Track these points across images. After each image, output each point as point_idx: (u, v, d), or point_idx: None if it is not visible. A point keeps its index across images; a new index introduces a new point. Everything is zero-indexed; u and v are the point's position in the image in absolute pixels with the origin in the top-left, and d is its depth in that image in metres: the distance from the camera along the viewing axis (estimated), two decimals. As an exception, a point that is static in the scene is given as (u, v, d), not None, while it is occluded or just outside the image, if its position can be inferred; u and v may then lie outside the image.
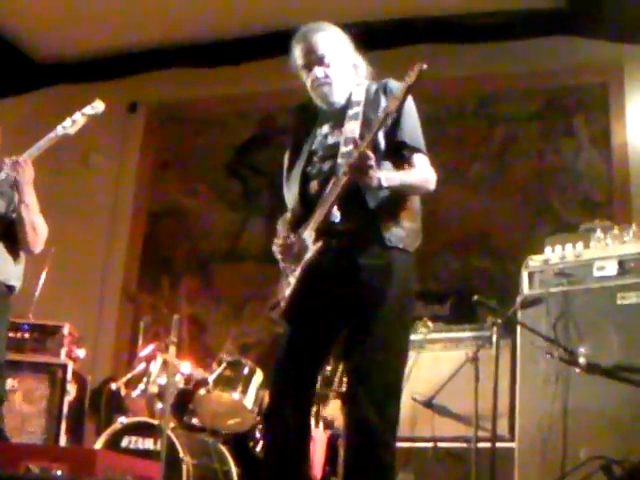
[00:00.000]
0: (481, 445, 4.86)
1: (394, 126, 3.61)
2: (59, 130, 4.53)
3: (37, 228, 4.59)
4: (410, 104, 3.71)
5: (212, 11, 7.35)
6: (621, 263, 4.79)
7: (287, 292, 3.60)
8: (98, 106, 4.62)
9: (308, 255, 3.54)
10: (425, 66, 3.45)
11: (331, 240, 3.52)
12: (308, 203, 3.68)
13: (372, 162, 3.41)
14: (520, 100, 7.44)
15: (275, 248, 3.72)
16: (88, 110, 4.58)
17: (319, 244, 3.51)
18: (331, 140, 3.75)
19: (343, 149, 3.62)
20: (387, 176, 3.48)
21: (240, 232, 7.97)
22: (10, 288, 4.67)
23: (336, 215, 3.52)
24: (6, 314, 4.73)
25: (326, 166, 3.69)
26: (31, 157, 4.52)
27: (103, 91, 7.20)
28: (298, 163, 3.81)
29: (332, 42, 3.78)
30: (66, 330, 6.30)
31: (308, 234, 3.57)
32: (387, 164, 3.58)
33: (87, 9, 7.37)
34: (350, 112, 3.72)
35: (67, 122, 4.56)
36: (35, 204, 4.58)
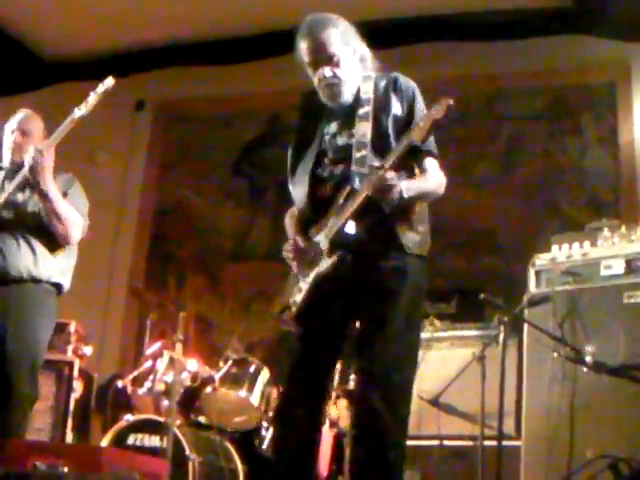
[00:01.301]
0: (487, 443, 4.87)
1: (407, 129, 3.58)
2: (76, 113, 4.49)
3: (63, 218, 4.51)
4: (421, 105, 3.70)
5: (219, 9, 7.36)
6: (628, 262, 4.78)
7: (298, 297, 3.60)
8: (108, 82, 4.56)
9: (322, 267, 3.53)
10: (452, 102, 3.41)
11: (346, 255, 3.51)
12: (318, 206, 3.66)
13: (395, 182, 3.40)
14: (527, 99, 7.43)
15: (286, 252, 3.71)
16: (100, 88, 4.55)
17: (334, 258, 3.50)
18: (341, 141, 3.71)
19: (356, 154, 3.59)
20: (407, 187, 3.46)
21: (247, 230, 7.98)
22: (57, 287, 4.64)
23: (351, 227, 3.51)
24: (50, 315, 4.67)
25: (337, 170, 3.66)
26: (51, 147, 4.49)
27: (111, 90, 7.21)
28: (305, 162, 3.77)
29: (340, 39, 3.68)
30: (73, 327, 6.31)
31: (321, 240, 3.57)
32: (401, 172, 3.56)
33: (94, 7, 7.38)
34: (360, 111, 3.68)
35: (82, 105, 4.53)
36: (56, 194, 4.50)
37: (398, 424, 3.48)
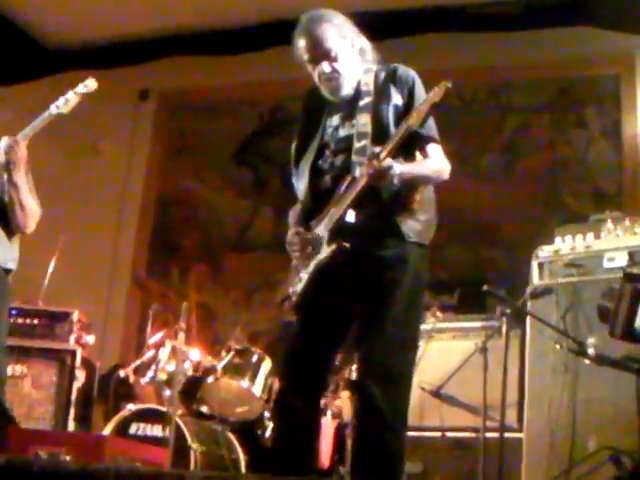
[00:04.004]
0: (489, 435, 4.87)
1: (406, 116, 3.58)
2: (52, 109, 4.49)
3: (25, 208, 4.52)
4: (421, 92, 3.70)
5: (225, -1, 7.38)
6: (631, 254, 4.77)
7: (298, 287, 3.62)
8: (90, 84, 4.57)
9: (322, 256, 3.55)
10: (450, 84, 3.42)
11: (345, 242, 3.50)
12: (319, 197, 3.68)
13: (392, 170, 3.40)
14: (532, 91, 7.43)
15: (288, 243, 3.72)
16: (80, 89, 4.54)
17: (333, 247, 3.51)
18: (342, 133, 3.73)
19: (356, 144, 3.60)
20: (400, 170, 3.45)
21: (250, 220, 7.99)
22: (7, 271, 4.61)
23: (351, 215, 3.51)
24: (5, 296, 4.63)
25: (338, 161, 3.68)
26: (26, 138, 4.50)
27: (114, 78, 7.21)
28: (308, 155, 3.79)
29: (337, 33, 3.70)
30: (75, 316, 6.30)
31: (322, 231, 3.58)
32: (399, 157, 3.56)
33: (98, -4, 7.40)
34: (361, 103, 3.69)
35: (60, 101, 4.51)
36: (24, 184, 4.52)
37: (397, 414, 3.49)
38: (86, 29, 7.91)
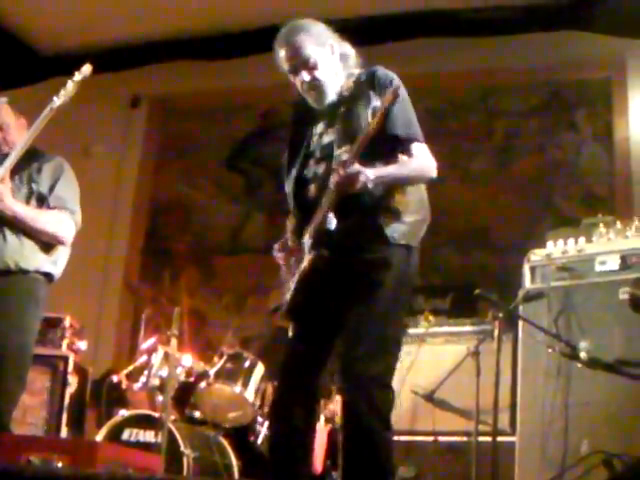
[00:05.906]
0: (482, 439, 4.86)
1: (384, 120, 3.57)
2: (55, 102, 4.44)
3: (42, 231, 4.45)
4: (402, 93, 3.67)
5: (216, 3, 7.35)
6: (623, 258, 4.79)
7: (287, 296, 3.64)
8: (85, 70, 4.51)
9: (303, 264, 3.56)
10: (397, 90, 3.45)
11: (324, 250, 3.51)
12: (306, 207, 3.68)
13: (362, 176, 3.40)
14: (522, 94, 7.44)
15: (274, 253, 3.75)
16: (77, 76, 4.50)
17: (312, 255, 3.52)
18: (326, 140, 3.73)
19: (337, 151, 3.59)
20: (376, 174, 3.45)
21: (241, 225, 7.99)
22: (47, 275, 4.53)
23: (331, 222, 3.51)
24: (38, 304, 4.54)
25: (321, 169, 3.68)
26: (32, 137, 4.44)
27: (106, 84, 7.20)
28: (295, 164, 3.80)
29: (315, 41, 3.70)
30: (67, 322, 6.30)
31: (307, 240, 3.59)
32: (380, 162, 3.54)
33: (89, 1, 7.37)
34: (342, 109, 3.70)
35: (60, 93, 4.48)
36: (23, 212, 4.40)
37: (377, 415, 3.45)
38: (78, 35, 7.90)
